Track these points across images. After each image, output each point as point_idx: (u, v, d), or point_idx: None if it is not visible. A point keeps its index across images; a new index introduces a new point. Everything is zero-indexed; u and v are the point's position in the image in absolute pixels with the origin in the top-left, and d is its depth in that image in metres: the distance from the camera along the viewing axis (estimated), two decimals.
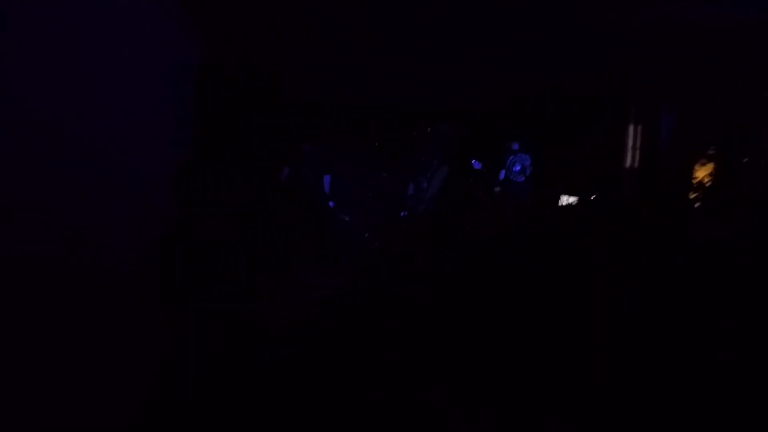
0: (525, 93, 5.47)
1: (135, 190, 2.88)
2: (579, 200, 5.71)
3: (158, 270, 3.27)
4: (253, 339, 3.50)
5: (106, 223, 2.46)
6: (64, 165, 2.04)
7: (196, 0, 3.42)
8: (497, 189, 5.92)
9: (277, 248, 4.80)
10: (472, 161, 5.64)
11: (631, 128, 4.75)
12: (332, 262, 5.27)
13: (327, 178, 5.77)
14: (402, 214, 5.77)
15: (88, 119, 2.27)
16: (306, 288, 4.84)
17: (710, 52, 3.89)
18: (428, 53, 4.64)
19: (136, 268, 2.85)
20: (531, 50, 4.44)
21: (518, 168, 5.83)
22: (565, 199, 5.84)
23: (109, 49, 2.45)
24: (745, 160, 3.68)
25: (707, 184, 3.86)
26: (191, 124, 4.16)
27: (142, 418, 2.45)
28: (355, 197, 5.85)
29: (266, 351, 3.40)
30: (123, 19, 2.61)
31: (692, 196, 4.07)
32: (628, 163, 4.87)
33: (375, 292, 4.60)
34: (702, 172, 3.95)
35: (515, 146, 5.84)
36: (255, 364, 3.09)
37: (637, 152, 4.72)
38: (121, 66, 2.62)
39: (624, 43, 4.05)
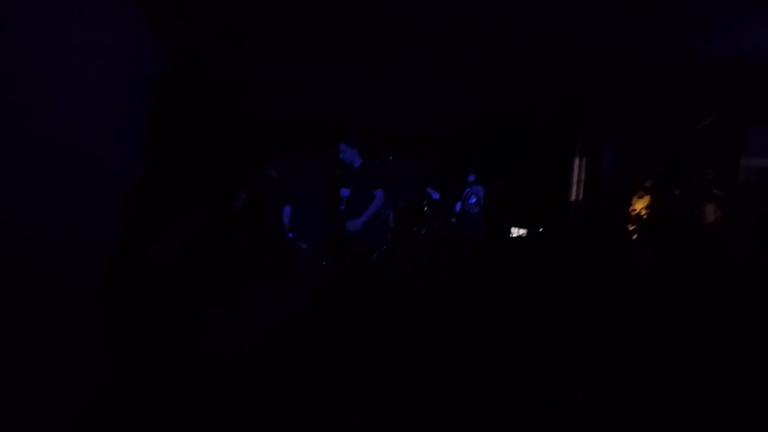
0: (480, 122, 5.71)
1: (86, 204, 2.75)
2: (528, 233, 5.95)
3: (102, 290, 3.10)
4: (198, 370, 3.31)
5: (53, 237, 2.33)
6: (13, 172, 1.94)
7: (159, 8, 3.42)
8: (453, 219, 6.05)
9: (228, 273, 4.67)
10: (429, 191, 5.76)
11: (576, 161, 5.07)
12: (286, 288, 5.16)
13: (287, 209, 5.71)
14: (361, 243, 5.77)
15: (41, 126, 2.18)
16: (258, 314, 4.70)
17: (646, 87, 4.23)
18: (391, 77, 4.83)
19: (79, 285, 2.69)
20: (486, 80, 4.73)
21: (474, 200, 5.99)
22: (515, 231, 6.07)
23: (64, 54, 2.38)
24: (675, 192, 4.00)
25: (644, 216, 4.15)
26: (146, 138, 4.05)
27: None
28: (314, 226, 5.81)
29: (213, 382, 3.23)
30: (80, 22, 2.55)
31: (631, 227, 4.36)
32: (574, 196, 5.16)
33: (333, 319, 4.52)
34: (640, 204, 4.25)
35: (471, 178, 6.00)
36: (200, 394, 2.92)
37: (582, 185, 5.02)
38: (76, 73, 2.55)
39: (569, 77, 4.37)
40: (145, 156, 3.93)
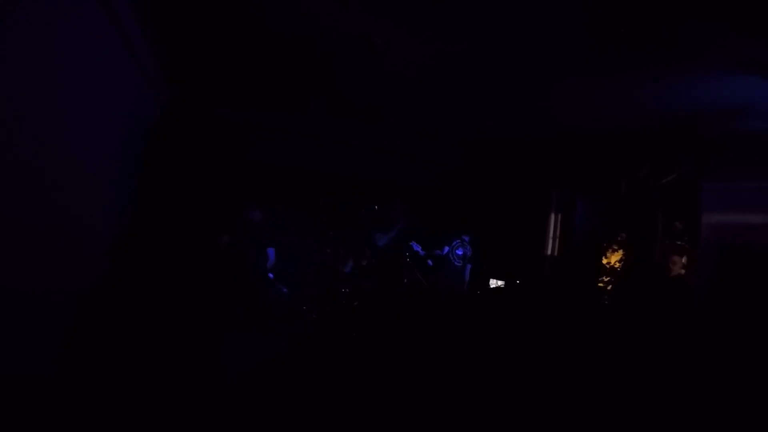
0: (461, 177, 5.97)
1: (69, 252, 2.69)
2: (506, 284, 6.12)
3: (78, 334, 2.98)
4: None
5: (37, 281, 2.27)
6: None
7: (167, 50, 3.59)
8: (431, 265, 6.12)
9: (206, 315, 4.60)
10: (412, 243, 5.89)
11: (552, 217, 5.34)
12: (265, 331, 5.09)
13: (271, 251, 5.73)
14: (344, 290, 5.78)
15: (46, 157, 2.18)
16: (235, 356, 4.59)
17: (612, 146, 4.53)
18: (380, 131, 5.11)
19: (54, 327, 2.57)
20: (468, 137, 5.06)
21: (461, 252, 6.07)
22: (494, 283, 6.23)
23: (77, 88, 2.41)
24: (646, 244, 4.27)
25: (618, 268, 4.39)
26: (139, 177, 4.07)
27: None
28: (296, 270, 5.82)
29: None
30: (102, 61, 2.63)
31: (606, 279, 4.58)
32: (549, 250, 5.40)
33: (312, 362, 4.47)
34: (614, 258, 4.50)
35: (459, 231, 6.11)
36: None
37: (557, 240, 5.27)
38: (87, 108, 2.59)
39: (543, 137, 4.71)
40: (135, 202, 3.95)
